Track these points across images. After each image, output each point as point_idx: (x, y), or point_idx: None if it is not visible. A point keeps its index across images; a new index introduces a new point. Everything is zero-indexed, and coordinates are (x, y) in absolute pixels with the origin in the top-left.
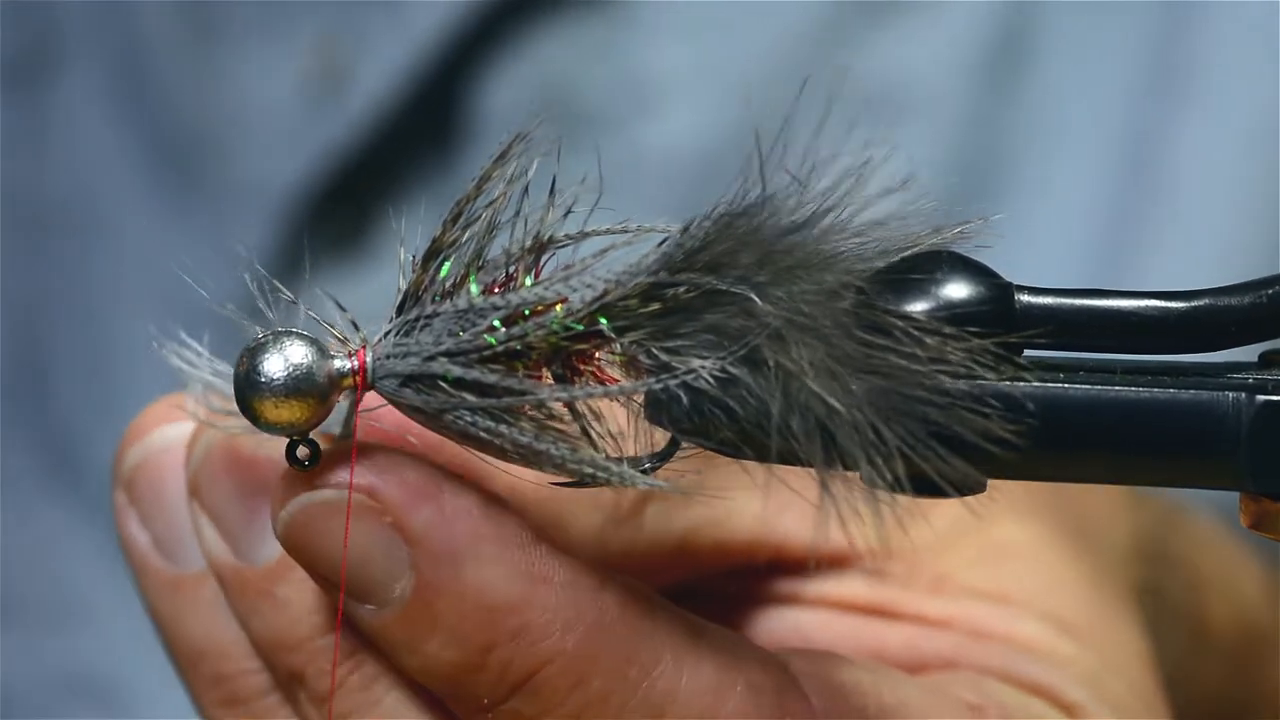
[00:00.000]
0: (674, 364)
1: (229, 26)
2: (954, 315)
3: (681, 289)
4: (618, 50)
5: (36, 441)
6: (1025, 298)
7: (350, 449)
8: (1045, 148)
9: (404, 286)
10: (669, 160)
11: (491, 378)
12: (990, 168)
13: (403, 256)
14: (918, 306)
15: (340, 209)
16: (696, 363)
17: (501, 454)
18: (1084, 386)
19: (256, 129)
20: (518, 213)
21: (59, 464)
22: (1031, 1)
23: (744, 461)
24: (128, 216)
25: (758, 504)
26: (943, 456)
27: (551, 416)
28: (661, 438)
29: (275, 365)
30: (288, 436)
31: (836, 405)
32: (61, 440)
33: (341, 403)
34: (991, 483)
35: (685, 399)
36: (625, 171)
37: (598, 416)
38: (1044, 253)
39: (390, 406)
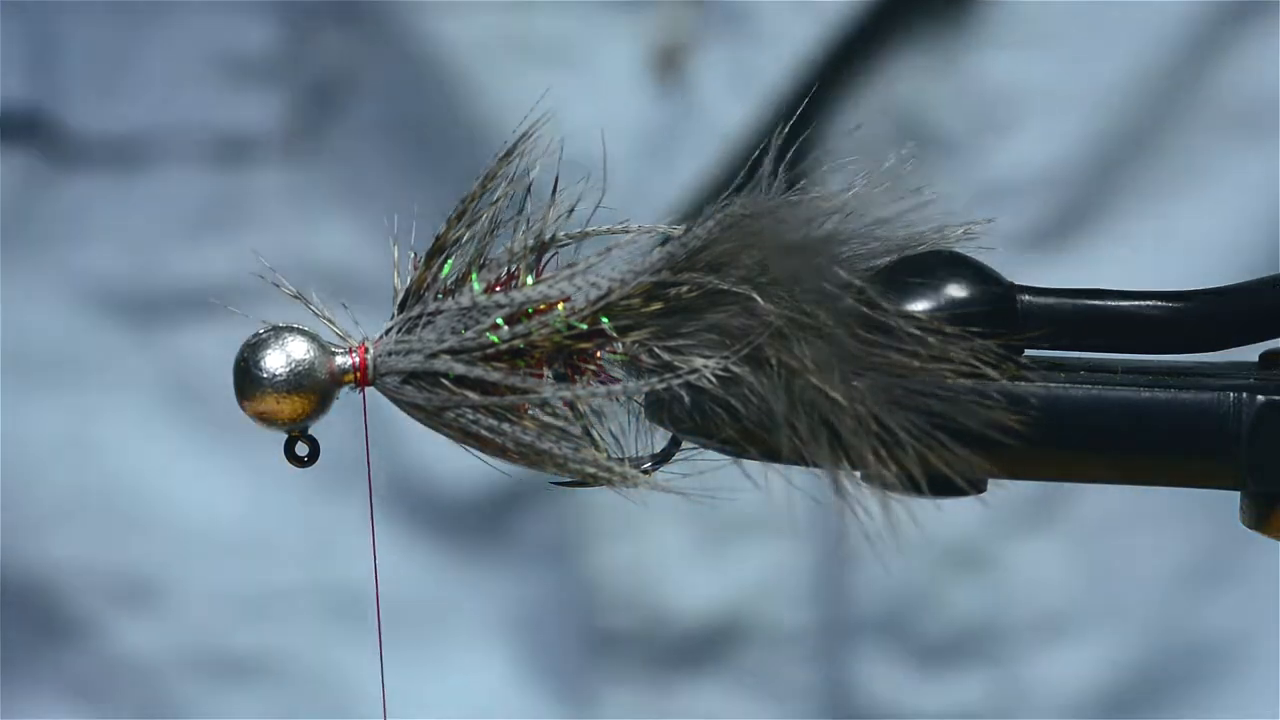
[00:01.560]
0: (676, 363)
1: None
2: (955, 315)
3: (684, 288)
4: (969, 68)
5: None
6: (1027, 298)
7: None
8: None
9: (405, 284)
10: (1020, 181)
11: (495, 376)
12: None
13: (397, 254)
14: (919, 306)
15: None
16: (699, 361)
17: (502, 453)
18: (1085, 386)
19: None
20: (520, 211)
21: None
22: None
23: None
24: None
25: None
26: (947, 446)
27: (554, 415)
28: (663, 438)
29: (276, 360)
30: (287, 433)
31: (839, 399)
32: None
33: None
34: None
35: (687, 398)
36: (977, 194)
37: (600, 416)
38: None
39: None
